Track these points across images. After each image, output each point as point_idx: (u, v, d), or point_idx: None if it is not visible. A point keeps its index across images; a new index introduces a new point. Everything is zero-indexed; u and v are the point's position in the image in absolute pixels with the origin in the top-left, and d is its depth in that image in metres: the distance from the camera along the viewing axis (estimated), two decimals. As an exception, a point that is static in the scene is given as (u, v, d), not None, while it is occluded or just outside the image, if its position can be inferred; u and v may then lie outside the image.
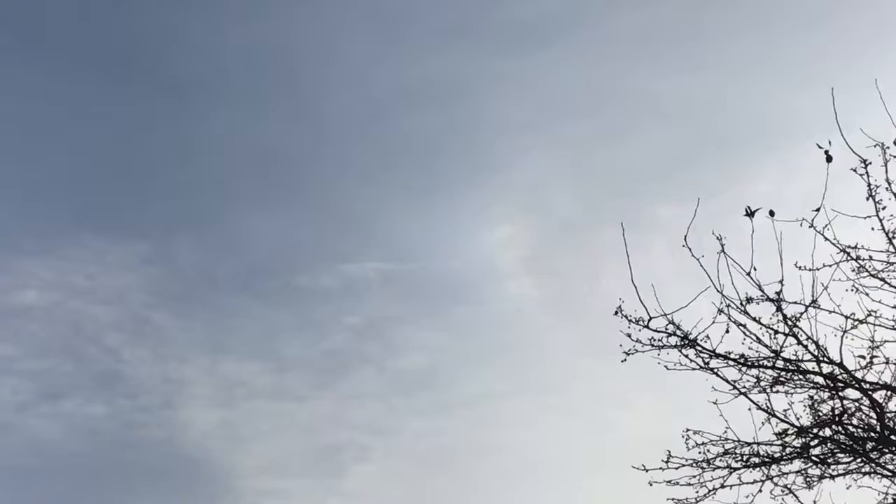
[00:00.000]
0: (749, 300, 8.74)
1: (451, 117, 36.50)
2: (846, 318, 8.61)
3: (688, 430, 9.44)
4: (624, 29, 33.09)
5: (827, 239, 8.59)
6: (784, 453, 9.19)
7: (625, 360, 9.24)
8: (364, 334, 34.76)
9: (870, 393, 8.76)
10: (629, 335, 9.14)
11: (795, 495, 9.46)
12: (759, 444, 9.21)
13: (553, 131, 35.39)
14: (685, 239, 8.79)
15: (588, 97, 34.71)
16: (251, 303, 35.71)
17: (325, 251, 37.30)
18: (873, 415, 8.86)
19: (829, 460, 9.23)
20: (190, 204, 38.00)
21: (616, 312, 9.13)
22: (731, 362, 8.97)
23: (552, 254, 34.76)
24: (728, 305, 8.73)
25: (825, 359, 8.71)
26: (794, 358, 8.82)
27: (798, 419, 9.11)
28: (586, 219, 34.03)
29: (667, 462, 9.37)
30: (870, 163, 8.23)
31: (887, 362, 8.72)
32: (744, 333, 8.81)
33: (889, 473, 9.21)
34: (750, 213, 8.74)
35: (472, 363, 33.92)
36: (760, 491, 9.45)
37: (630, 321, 9.09)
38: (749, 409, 9.10)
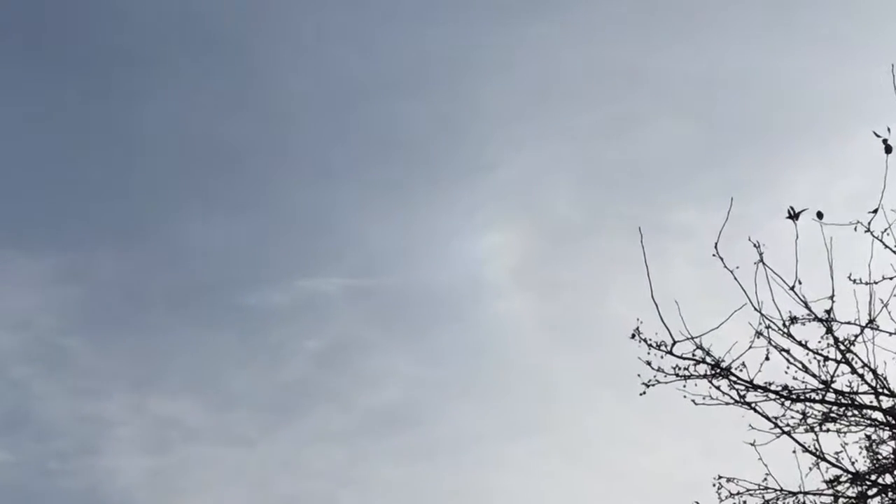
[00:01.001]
0: (793, 320, 8.01)
1: (429, 105, 31.71)
2: (911, 341, 7.82)
3: (720, 476, 8.50)
4: (633, 4, 28.84)
5: (887, 246, 7.80)
6: (836, 505, 8.39)
7: (644, 392, 8.33)
8: (326, 363, 29.67)
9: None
10: (649, 363, 8.25)
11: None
12: (805, 493, 8.38)
13: (551, 120, 30.78)
14: (716, 247, 7.92)
15: (592, 80, 30.15)
16: (187, 326, 30.34)
17: (278, 263, 31.89)
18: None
19: (889, 513, 8.52)
20: (112, 208, 31.95)
21: (633, 336, 8.27)
22: (771, 395, 8.16)
23: (550, 265, 30.25)
24: (768, 327, 8.02)
25: (885, 391, 7.99)
26: (847, 390, 8.07)
27: (853, 463, 8.33)
28: (590, 224, 29.73)
29: (695, 515, 8.63)
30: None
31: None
32: (787, 361, 8.07)
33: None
34: (794, 216, 7.95)
35: (457, 397, 28.90)
36: (807, 550, 8.73)
37: (650, 346, 8.19)
38: (794, 452, 8.31)
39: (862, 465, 8.35)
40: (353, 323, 30.13)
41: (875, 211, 7.63)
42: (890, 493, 8.30)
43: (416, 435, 27.52)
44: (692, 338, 8.00)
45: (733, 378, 8.06)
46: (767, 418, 8.18)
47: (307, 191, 32.36)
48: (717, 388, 8.12)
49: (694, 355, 8.07)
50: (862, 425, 8.21)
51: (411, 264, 31.69)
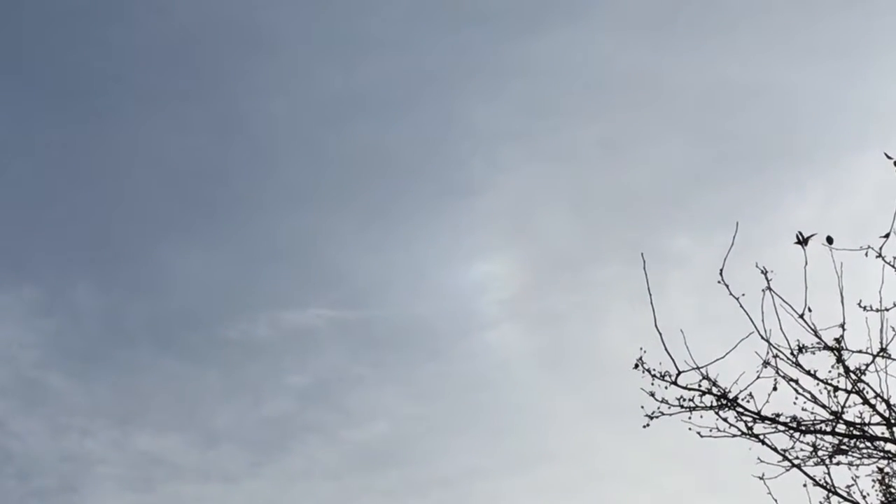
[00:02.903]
0: (802, 349, 7.70)
1: (414, 126, 30.74)
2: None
3: None
4: (632, 12, 27.86)
5: None
6: (848, 540, 8.05)
7: (647, 425, 7.99)
8: (311, 398, 28.71)
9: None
10: (652, 394, 7.91)
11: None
12: None
13: (543, 141, 29.69)
14: (721, 273, 7.59)
15: (587, 98, 29.38)
16: (170, 360, 29.32)
17: (261, 295, 30.84)
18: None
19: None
20: (91, 239, 31.18)
21: (636, 366, 7.92)
22: (780, 427, 7.83)
23: (543, 295, 29.26)
24: (776, 356, 7.70)
25: None
26: (859, 421, 7.76)
27: (865, 497, 8.04)
28: (584, 251, 29.08)
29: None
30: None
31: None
32: (796, 391, 7.79)
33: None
34: (802, 241, 7.57)
35: (447, 432, 27.85)
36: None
37: (654, 376, 7.87)
38: (804, 486, 8.06)
39: (874, 498, 8.13)
40: (338, 357, 29.36)
41: (887, 235, 7.32)
42: (903, 528, 8.03)
43: (405, 471, 26.69)
44: (697, 367, 7.69)
45: (740, 409, 7.76)
46: (776, 451, 7.88)
47: (291, 220, 31.45)
48: (724, 419, 7.81)
49: (699, 386, 7.76)
50: (874, 458, 7.91)
51: (399, 295, 30.76)
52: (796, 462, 7.89)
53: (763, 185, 25.49)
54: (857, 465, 7.97)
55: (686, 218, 26.43)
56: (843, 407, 7.67)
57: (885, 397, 7.60)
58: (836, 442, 7.84)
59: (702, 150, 28.05)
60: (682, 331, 7.59)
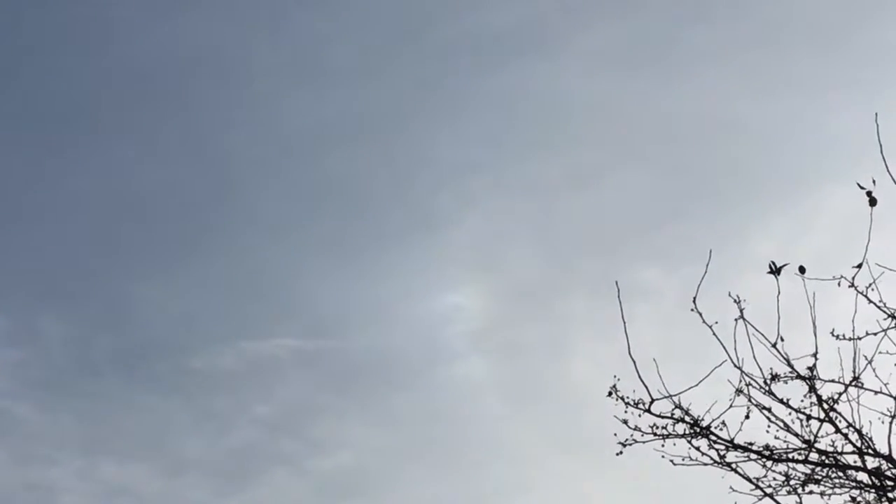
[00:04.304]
0: (775, 378, 7.68)
1: (380, 157, 30.27)
2: (896, 399, 7.52)
3: None
4: (598, 45, 27.74)
5: (871, 301, 7.50)
6: (822, 571, 7.99)
7: (620, 452, 7.94)
8: (277, 428, 28.29)
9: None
10: (625, 421, 7.87)
11: None
12: None
13: (508, 174, 29.52)
14: (694, 301, 7.65)
15: (551, 130, 28.99)
16: (135, 390, 28.78)
17: (226, 325, 30.39)
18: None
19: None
20: (56, 268, 30.60)
21: (610, 393, 7.88)
22: (753, 455, 7.78)
23: (510, 327, 28.99)
24: (748, 384, 7.68)
25: (870, 451, 7.63)
26: (831, 450, 7.74)
27: None
28: (552, 283, 28.40)
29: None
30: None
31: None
32: (769, 419, 7.74)
33: None
34: (775, 270, 7.70)
35: (413, 463, 27.46)
36: None
37: (627, 404, 7.84)
38: None
39: (847, 528, 7.99)
40: (303, 387, 29.10)
41: (859, 266, 7.36)
42: (875, 558, 7.96)
43: (371, 502, 26.45)
44: (670, 396, 7.66)
45: (713, 437, 7.70)
46: (749, 480, 7.79)
47: (256, 251, 30.93)
48: (697, 448, 7.76)
49: (672, 414, 7.72)
50: (846, 487, 7.84)
51: (364, 326, 30.32)
52: (769, 491, 7.81)
53: (728, 218, 25.53)
54: (830, 495, 7.89)
55: (652, 250, 26.25)
56: (815, 436, 7.63)
57: (858, 426, 7.57)
58: (809, 471, 7.79)
59: (668, 182, 28.04)
60: (654, 359, 7.56)
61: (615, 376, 7.73)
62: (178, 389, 28.78)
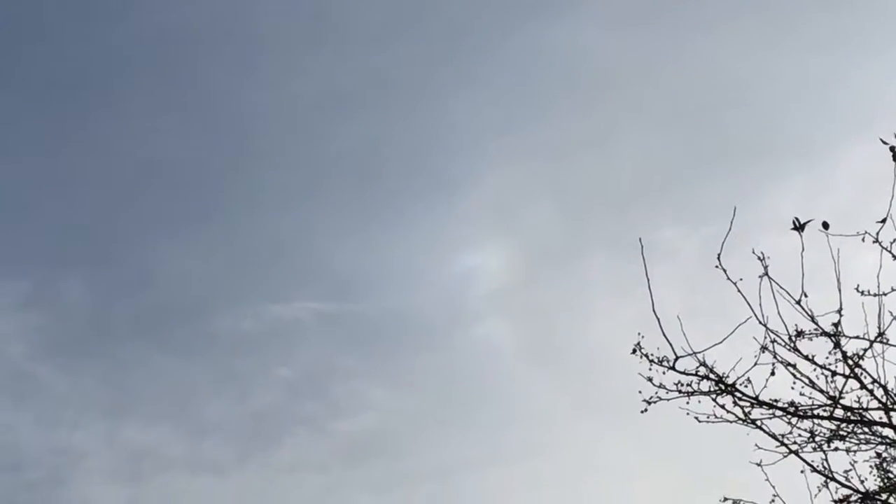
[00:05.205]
0: (800, 335, 7.65)
1: (398, 121, 30.66)
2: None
3: (725, 499, 8.18)
4: (616, 6, 27.77)
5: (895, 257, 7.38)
6: (847, 526, 7.95)
7: (645, 409, 7.96)
8: (299, 390, 28.72)
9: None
10: (650, 379, 7.84)
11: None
12: None
13: (528, 135, 29.70)
14: (718, 258, 7.57)
15: (571, 92, 29.13)
16: (158, 353, 29.33)
17: (247, 288, 30.76)
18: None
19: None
20: (79, 233, 31.24)
21: (634, 351, 7.86)
22: (778, 412, 7.76)
23: (530, 287, 29.05)
24: (773, 341, 7.64)
25: None
26: (856, 406, 7.71)
27: (863, 482, 7.96)
28: (571, 243, 28.72)
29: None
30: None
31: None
32: (793, 376, 7.74)
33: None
34: (799, 227, 7.58)
35: (435, 424, 27.59)
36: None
37: (652, 361, 7.80)
38: (802, 472, 7.97)
39: (872, 483, 8.04)
40: (325, 349, 29.33)
41: (884, 220, 7.27)
42: (901, 513, 7.95)
43: (392, 463, 26.50)
44: (694, 353, 7.64)
45: (738, 394, 7.69)
46: (774, 437, 7.81)
47: (276, 215, 31.32)
48: (722, 406, 7.75)
49: (697, 371, 7.69)
50: (872, 443, 7.87)
51: (385, 289, 30.57)
52: (794, 448, 7.83)
53: (746, 178, 25.40)
54: (855, 451, 7.92)
55: (671, 210, 26.41)
56: (840, 392, 7.62)
57: (883, 382, 7.55)
58: (834, 427, 7.79)
59: (686, 142, 28.10)
60: (678, 317, 7.56)
61: (639, 333, 7.73)
62: (200, 352, 29.48)
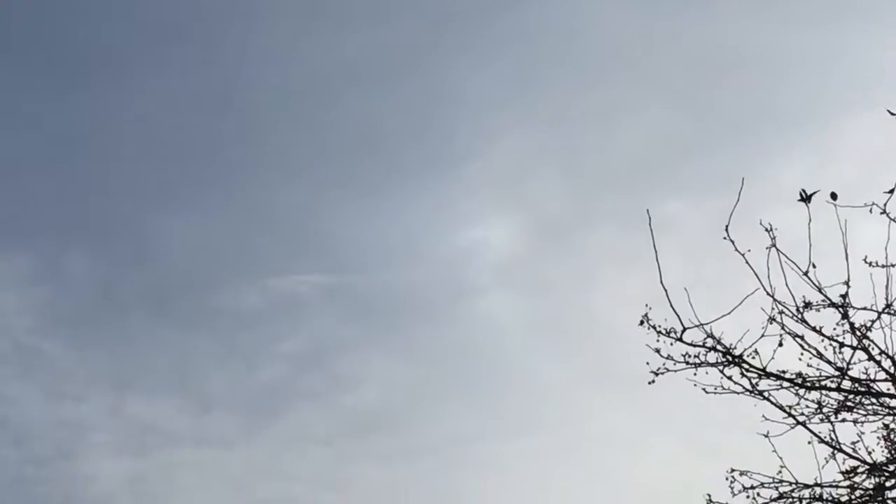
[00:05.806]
0: (807, 306, 7.65)
1: (402, 93, 30.08)
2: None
3: (732, 470, 8.12)
4: None
5: None
6: (854, 497, 7.93)
7: (653, 381, 8.02)
8: (303, 364, 28.39)
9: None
10: (658, 350, 7.91)
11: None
12: (822, 485, 7.95)
13: (533, 108, 29.28)
14: (726, 229, 7.56)
15: (576, 64, 28.82)
16: (163, 327, 29.09)
17: (251, 262, 30.51)
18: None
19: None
20: (83, 206, 30.89)
21: (642, 322, 7.92)
22: (785, 383, 7.78)
23: (535, 261, 28.55)
24: (781, 312, 7.65)
25: None
26: (864, 377, 7.72)
27: (870, 453, 7.96)
28: (576, 216, 28.34)
29: (707, 509, 8.19)
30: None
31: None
32: (801, 347, 7.74)
33: None
34: (806, 198, 7.55)
35: (439, 398, 27.50)
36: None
37: (659, 333, 7.86)
38: (809, 443, 7.97)
39: (880, 455, 8.02)
40: (328, 323, 29.13)
41: (891, 191, 7.27)
42: (909, 485, 7.95)
43: (397, 436, 26.54)
44: (702, 324, 7.67)
45: (745, 366, 7.72)
46: (781, 408, 7.84)
47: (280, 188, 31.11)
48: (729, 377, 7.79)
49: (704, 343, 7.72)
50: (879, 414, 7.87)
51: (389, 262, 30.42)
52: (801, 419, 7.85)
53: (751, 150, 25.02)
54: (863, 422, 7.92)
55: (676, 183, 26.08)
56: (848, 363, 7.63)
57: (891, 353, 7.56)
58: (842, 398, 7.80)
59: (692, 115, 27.73)
60: (685, 289, 7.58)
61: (647, 305, 7.77)
62: (204, 326, 29.27)
